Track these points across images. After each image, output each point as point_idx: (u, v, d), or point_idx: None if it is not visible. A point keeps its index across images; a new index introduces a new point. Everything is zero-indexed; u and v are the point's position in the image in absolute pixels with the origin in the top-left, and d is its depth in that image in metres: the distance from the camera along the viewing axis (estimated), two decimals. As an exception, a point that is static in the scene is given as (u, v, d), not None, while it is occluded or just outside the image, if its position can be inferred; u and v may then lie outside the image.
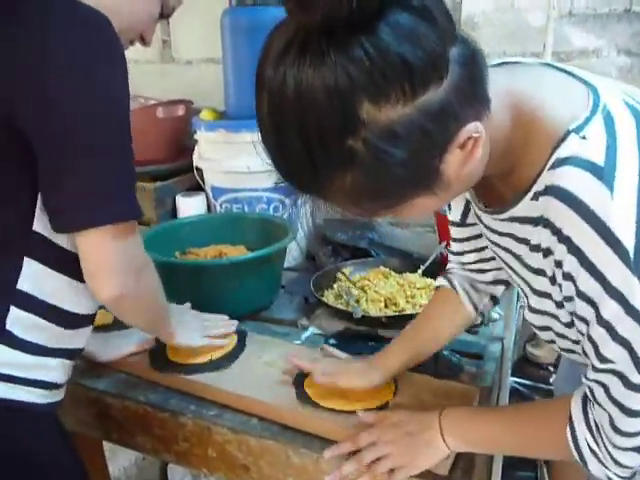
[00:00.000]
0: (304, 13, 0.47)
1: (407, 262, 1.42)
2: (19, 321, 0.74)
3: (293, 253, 1.52)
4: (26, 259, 0.73)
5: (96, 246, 0.71)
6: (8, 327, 0.73)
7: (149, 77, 1.92)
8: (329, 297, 1.29)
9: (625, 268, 0.53)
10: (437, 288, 0.97)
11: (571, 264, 0.57)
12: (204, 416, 0.94)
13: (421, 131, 0.50)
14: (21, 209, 0.72)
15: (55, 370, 0.80)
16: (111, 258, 0.72)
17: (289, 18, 0.50)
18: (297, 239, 1.48)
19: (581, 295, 0.58)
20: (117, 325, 1.11)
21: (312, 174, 0.52)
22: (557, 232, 0.57)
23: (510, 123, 0.60)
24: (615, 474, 0.65)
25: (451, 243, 0.93)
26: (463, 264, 0.92)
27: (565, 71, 0.64)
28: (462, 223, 0.86)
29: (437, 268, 1.36)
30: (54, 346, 0.79)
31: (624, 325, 0.55)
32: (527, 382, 1.26)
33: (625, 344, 0.56)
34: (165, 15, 0.89)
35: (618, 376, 0.58)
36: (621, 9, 1.30)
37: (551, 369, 1.30)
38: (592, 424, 0.65)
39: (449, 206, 0.87)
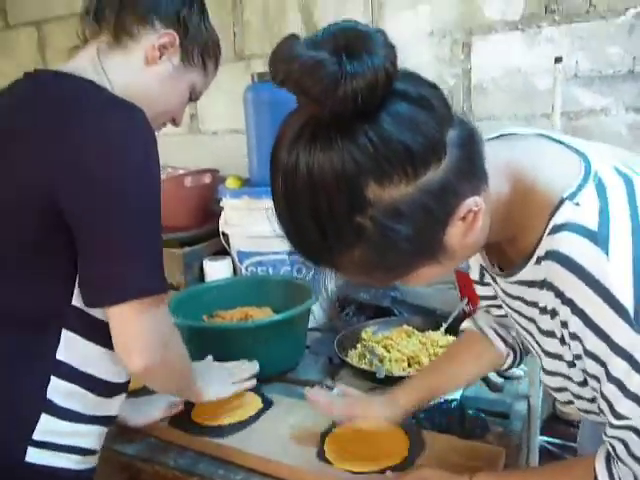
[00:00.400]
0: (315, 108, 0.52)
1: (430, 320, 1.44)
2: (58, 390, 0.78)
3: (316, 314, 1.55)
4: (64, 331, 0.78)
5: (125, 320, 0.75)
6: (48, 396, 0.77)
7: (177, 148, 2.02)
8: (353, 357, 1.30)
9: (627, 327, 0.55)
10: (462, 332, 1.00)
11: (576, 325, 0.59)
12: (232, 480, 0.95)
13: (423, 208, 0.54)
14: (61, 285, 0.78)
15: (91, 436, 0.84)
16: (139, 332, 0.75)
17: (300, 109, 0.55)
18: (320, 300, 1.51)
19: (589, 354, 0.59)
20: (147, 389, 1.14)
21: (323, 249, 0.57)
22: (560, 294, 0.60)
23: (509, 192, 0.64)
24: None
25: (479, 300, 0.96)
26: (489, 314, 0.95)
27: (558, 141, 0.68)
28: (481, 282, 0.89)
29: (459, 325, 1.38)
30: (91, 413, 0.82)
31: (633, 381, 0.57)
32: (557, 441, 1.23)
33: (637, 400, 0.57)
34: (194, 99, 0.97)
35: (635, 432, 0.59)
36: (625, 70, 1.35)
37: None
38: None
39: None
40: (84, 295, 0.76)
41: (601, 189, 0.60)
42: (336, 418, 0.99)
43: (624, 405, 0.58)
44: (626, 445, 0.61)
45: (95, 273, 0.74)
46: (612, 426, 0.62)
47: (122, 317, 0.75)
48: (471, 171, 0.58)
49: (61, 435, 0.79)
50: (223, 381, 1.07)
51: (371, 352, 1.29)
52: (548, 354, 0.69)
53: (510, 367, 0.98)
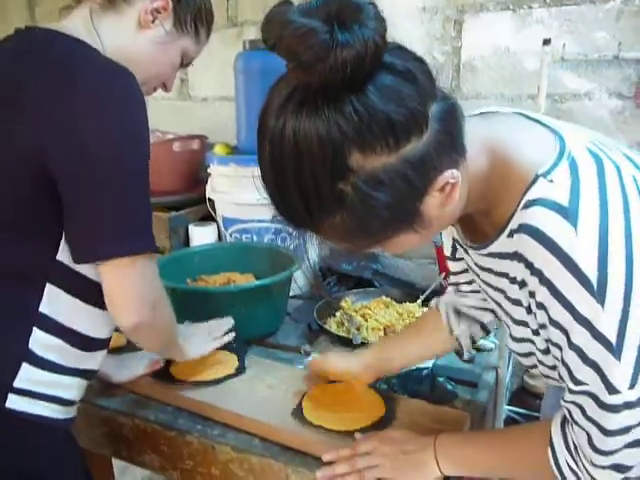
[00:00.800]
0: (304, 74, 0.54)
1: (408, 292, 1.48)
2: (40, 341, 0.81)
3: (299, 282, 1.58)
4: (48, 285, 0.80)
5: (116, 277, 0.77)
6: (30, 346, 0.80)
7: (167, 113, 2.02)
8: (332, 324, 1.35)
9: (590, 297, 0.58)
10: (429, 308, 1.06)
11: (543, 294, 0.62)
12: (209, 435, 0.99)
13: (403, 178, 0.57)
14: (47, 241, 0.80)
15: (71, 388, 0.87)
16: (130, 289, 0.78)
17: (289, 75, 0.57)
18: (303, 268, 1.55)
19: (553, 323, 0.63)
20: (129, 347, 1.18)
21: (306, 213, 0.59)
22: (530, 265, 0.63)
23: (487, 167, 0.67)
24: None
25: (449, 276, 0.99)
26: (459, 292, 0.99)
27: (536, 120, 0.71)
28: (453, 257, 0.92)
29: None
30: (71, 366, 0.85)
31: (592, 349, 0.60)
32: (523, 411, 1.29)
33: (595, 367, 0.61)
34: (185, 65, 0.98)
35: (591, 397, 0.63)
36: (610, 55, 1.37)
37: (548, 399, 1.33)
38: (571, 445, 0.70)
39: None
40: (73, 251, 0.78)
41: (573, 167, 0.62)
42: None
43: (583, 371, 0.62)
44: (582, 409, 0.65)
45: (85, 230, 0.76)
46: (571, 391, 0.66)
47: (112, 273, 0.77)
48: (451, 145, 0.60)
49: (41, 384, 0.81)
50: (203, 338, 1.11)
51: (349, 320, 1.33)
52: (515, 321, 0.73)
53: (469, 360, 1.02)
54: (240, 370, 1.13)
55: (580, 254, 0.58)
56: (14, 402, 0.79)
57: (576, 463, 0.69)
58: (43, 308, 0.81)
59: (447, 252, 0.93)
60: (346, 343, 1.24)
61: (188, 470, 1.02)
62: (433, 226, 0.64)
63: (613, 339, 0.59)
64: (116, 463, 1.42)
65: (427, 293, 1.42)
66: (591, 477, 0.68)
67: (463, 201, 0.66)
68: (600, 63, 1.41)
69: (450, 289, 1.01)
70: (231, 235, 1.63)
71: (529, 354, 0.75)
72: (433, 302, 1.03)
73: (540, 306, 0.64)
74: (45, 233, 0.80)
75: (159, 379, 1.11)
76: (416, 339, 1.03)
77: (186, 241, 1.74)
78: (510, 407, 1.31)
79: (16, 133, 0.75)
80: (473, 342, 0.99)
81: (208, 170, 1.66)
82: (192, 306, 1.26)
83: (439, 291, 1.44)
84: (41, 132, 0.74)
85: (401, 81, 0.55)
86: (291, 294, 1.47)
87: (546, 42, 1.37)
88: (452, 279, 0.98)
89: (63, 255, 0.80)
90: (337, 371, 1.03)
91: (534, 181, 0.63)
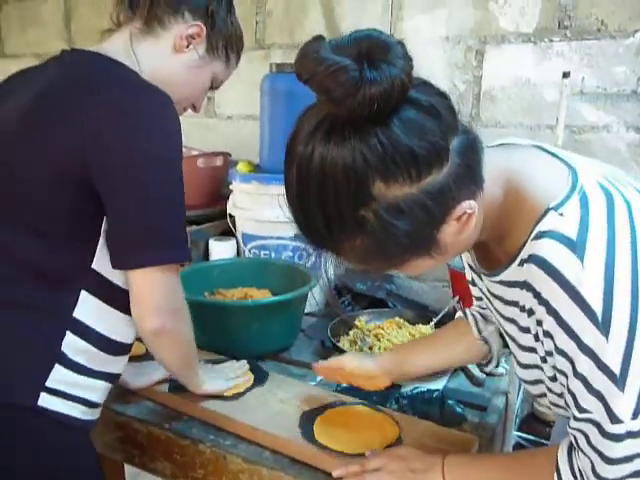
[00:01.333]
0: (334, 108, 0.58)
1: (421, 314, 1.50)
2: (72, 345, 0.85)
3: (314, 299, 1.61)
4: (83, 292, 0.85)
5: (146, 283, 0.82)
6: (62, 349, 0.84)
7: (193, 129, 2.08)
8: (344, 343, 1.36)
9: (595, 329, 0.61)
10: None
11: (550, 323, 0.65)
12: (221, 445, 1.01)
13: (422, 208, 0.60)
14: (85, 250, 0.85)
15: (97, 390, 0.91)
16: (157, 295, 0.83)
17: (319, 106, 0.61)
18: (319, 286, 1.57)
19: (559, 351, 0.65)
20: (148, 356, 1.21)
21: (327, 235, 0.63)
22: (537, 295, 0.65)
23: (502, 196, 0.70)
24: None
25: (471, 299, 1.02)
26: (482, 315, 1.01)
27: (552, 153, 0.74)
28: (473, 283, 0.95)
29: (448, 321, 1.44)
30: (98, 369, 0.89)
31: (597, 379, 0.62)
32: (532, 437, 1.29)
33: (599, 396, 0.63)
34: (214, 88, 1.03)
35: (595, 425, 0.65)
36: (629, 90, 1.40)
37: (557, 427, 1.34)
38: (577, 471, 0.71)
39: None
40: (113, 258, 0.83)
41: (584, 202, 0.65)
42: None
43: (587, 400, 0.64)
44: (587, 437, 0.67)
45: (125, 239, 0.82)
46: (575, 419, 0.67)
47: (143, 280, 0.82)
48: (469, 177, 0.63)
49: (71, 386, 0.86)
50: (219, 377, 1.12)
51: (362, 340, 1.35)
52: (523, 348, 0.75)
53: (488, 362, 1.04)
54: (254, 386, 1.15)
55: (586, 286, 0.60)
56: (46, 401, 0.83)
57: None
58: (77, 313, 0.85)
59: (468, 277, 0.96)
60: (358, 362, 1.26)
61: (199, 479, 1.04)
62: (449, 252, 0.67)
63: (617, 370, 0.61)
64: (128, 469, 1.45)
65: (440, 316, 1.43)
66: None
67: (478, 229, 0.69)
68: (619, 97, 1.44)
69: (475, 303, 1.03)
70: (250, 251, 1.67)
71: (536, 382, 0.77)
72: (458, 314, 1.05)
73: (547, 334, 0.66)
74: (83, 242, 0.84)
75: (176, 390, 1.13)
76: (437, 346, 1.06)
77: (206, 255, 1.78)
78: (519, 433, 1.31)
79: (63, 149, 0.80)
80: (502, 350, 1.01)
81: (230, 187, 1.71)
82: (209, 319, 1.29)
83: (452, 314, 1.46)
84: (86, 148, 0.79)
85: (425, 116, 0.59)
86: (306, 311, 1.49)
87: (566, 75, 1.40)
88: (475, 303, 1.01)
89: (97, 263, 0.85)
90: (354, 369, 1.05)
91: (545, 213, 0.66)
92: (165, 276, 0.83)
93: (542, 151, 0.75)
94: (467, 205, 0.63)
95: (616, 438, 0.63)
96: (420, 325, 1.43)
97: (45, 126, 0.81)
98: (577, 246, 0.62)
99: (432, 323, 1.43)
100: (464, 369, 1.26)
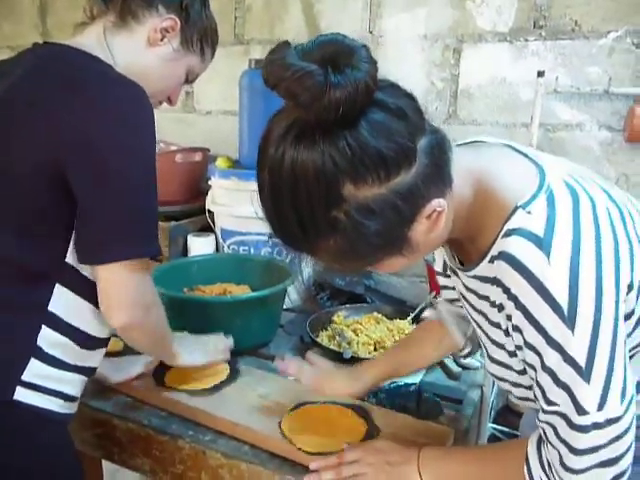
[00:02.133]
0: (302, 112, 0.59)
1: (399, 309, 1.52)
2: (47, 338, 0.85)
3: (293, 295, 1.62)
4: (57, 285, 0.85)
5: (113, 279, 0.82)
6: (38, 342, 0.84)
7: (171, 124, 2.07)
8: (323, 338, 1.38)
9: (561, 323, 0.63)
10: (423, 319, 1.10)
11: (518, 318, 0.66)
12: (200, 441, 1.02)
13: (392, 208, 0.61)
14: (58, 243, 0.84)
15: (73, 384, 0.91)
16: (124, 291, 0.83)
17: (288, 109, 0.61)
18: (297, 281, 1.58)
19: (528, 345, 0.67)
20: (127, 351, 1.21)
21: (301, 237, 0.63)
22: (507, 290, 0.67)
23: (471, 195, 0.71)
24: None
25: (440, 290, 1.03)
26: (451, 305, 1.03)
27: (520, 152, 0.75)
28: (444, 274, 0.97)
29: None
30: (74, 362, 0.89)
31: (564, 372, 0.64)
32: (506, 429, 1.32)
33: (566, 388, 0.65)
34: (190, 81, 1.03)
35: (563, 417, 0.67)
36: (601, 89, 1.43)
37: (531, 419, 1.37)
38: (545, 462, 0.73)
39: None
40: (80, 253, 0.83)
41: (551, 200, 0.67)
42: (302, 385, 1.07)
43: (554, 392, 0.66)
44: (555, 429, 0.69)
45: (92, 233, 0.81)
46: (544, 411, 0.69)
47: (110, 275, 0.82)
48: (438, 176, 0.65)
49: (47, 379, 0.85)
50: (198, 350, 1.13)
51: (340, 335, 1.36)
52: (494, 343, 0.77)
53: (469, 354, 1.06)
54: (233, 377, 1.16)
55: (552, 281, 0.62)
56: (22, 395, 0.83)
57: (548, 478, 0.72)
58: (52, 307, 0.85)
59: (438, 268, 0.97)
60: (337, 357, 1.28)
61: (178, 474, 1.04)
62: (420, 250, 0.69)
63: (582, 362, 0.63)
64: (106, 466, 1.44)
65: (418, 310, 1.46)
66: None
67: (449, 227, 0.70)
68: (592, 96, 1.47)
69: (441, 300, 1.05)
70: (229, 247, 1.67)
71: (504, 379, 0.79)
72: (427, 314, 1.08)
73: (516, 329, 0.68)
74: (57, 236, 0.84)
75: (153, 385, 1.13)
76: (411, 350, 1.08)
77: (184, 251, 1.78)
78: (494, 425, 1.34)
79: (34, 142, 0.79)
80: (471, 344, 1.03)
81: (209, 182, 1.70)
82: (188, 314, 1.29)
83: (429, 309, 1.48)
84: (57, 143, 0.78)
85: (391, 118, 0.60)
86: (285, 307, 1.50)
87: (540, 74, 1.43)
88: (444, 294, 1.02)
89: (71, 257, 0.85)
90: (337, 393, 1.05)
91: (514, 211, 0.67)
92: (131, 272, 0.82)
93: (511, 150, 0.76)
94: (436, 203, 0.64)
95: (582, 429, 0.65)
96: (398, 320, 1.45)
97: (18, 120, 0.81)
98: (544, 243, 0.63)
99: (410, 318, 1.45)
100: (440, 363, 1.28)
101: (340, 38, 0.59)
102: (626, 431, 0.66)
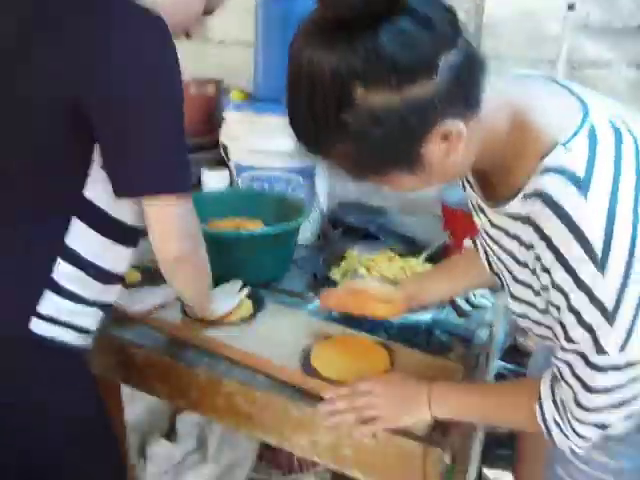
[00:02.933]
0: (327, 10, 0.59)
1: (412, 248, 1.52)
2: (63, 272, 0.86)
3: (306, 231, 1.62)
4: (74, 219, 0.85)
5: (165, 212, 0.83)
6: (54, 276, 0.85)
7: (183, 54, 2.00)
8: (336, 274, 1.39)
9: (592, 265, 0.62)
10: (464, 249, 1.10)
11: (549, 259, 0.66)
12: (216, 369, 1.05)
13: (400, 118, 0.60)
14: (75, 177, 0.84)
15: (88, 317, 0.92)
16: (176, 223, 0.84)
17: (317, 9, 0.60)
18: (311, 218, 1.58)
19: (555, 286, 0.67)
20: (144, 282, 1.24)
21: (314, 137, 0.64)
22: (539, 230, 0.67)
23: (508, 127, 0.69)
24: (576, 445, 0.76)
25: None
26: None
27: (565, 87, 0.72)
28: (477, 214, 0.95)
29: (439, 255, 1.47)
30: (90, 297, 0.90)
31: (589, 313, 0.64)
32: (512, 367, 1.35)
33: (589, 329, 0.65)
34: (208, 12, 0.99)
35: (581, 356, 0.68)
36: (634, 25, 1.36)
37: (537, 357, 1.40)
38: (558, 400, 0.75)
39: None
40: (117, 185, 0.82)
41: (592, 138, 0.65)
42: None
43: (577, 332, 0.67)
44: (571, 367, 0.70)
45: (134, 165, 0.81)
46: (563, 349, 0.70)
47: (160, 209, 0.83)
48: (460, 97, 0.62)
49: (62, 312, 0.87)
50: (223, 297, 1.16)
51: (353, 271, 1.38)
52: (518, 281, 0.77)
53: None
54: (258, 309, 1.20)
55: (587, 223, 0.62)
56: (37, 325, 0.84)
57: (561, 418, 0.75)
58: (69, 241, 0.85)
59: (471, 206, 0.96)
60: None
61: (195, 400, 1.08)
62: (434, 173, 0.67)
63: (610, 306, 0.63)
64: (124, 391, 1.50)
65: (430, 250, 1.46)
66: (573, 431, 0.74)
67: (471, 156, 0.69)
68: (623, 33, 1.40)
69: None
70: (242, 181, 1.66)
71: (525, 315, 0.79)
72: (467, 242, 1.07)
73: (545, 270, 0.68)
74: (74, 171, 0.84)
75: (172, 316, 1.16)
76: (453, 274, 1.10)
77: (198, 184, 1.77)
78: (501, 363, 1.37)
79: (52, 75, 0.77)
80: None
81: (223, 115, 1.67)
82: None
83: (443, 248, 1.49)
84: (78, 69, 0.76)
85: (416, 26, 0.58)
86: (299, 243, 1.51)
87: (570, 7, 1.36)
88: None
89: (90, 192, 0.85)
90: (376, 291, 1.08)
91: (552, 148, 0.65)
92: (184, 203, 0.84)
93: (555, 84, 0.73)
94: (452, 124, 0.62)
95: (599, 369, 0.67)
96: (411, 258, 1.46)
97: (39, 46, 0.78)
98: (582, 183, 0.62)
99: (422, 257, 1.46)
100: (451, 301, 1.29)
101: None
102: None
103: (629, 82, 1.43)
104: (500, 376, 1.38)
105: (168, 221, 0.84)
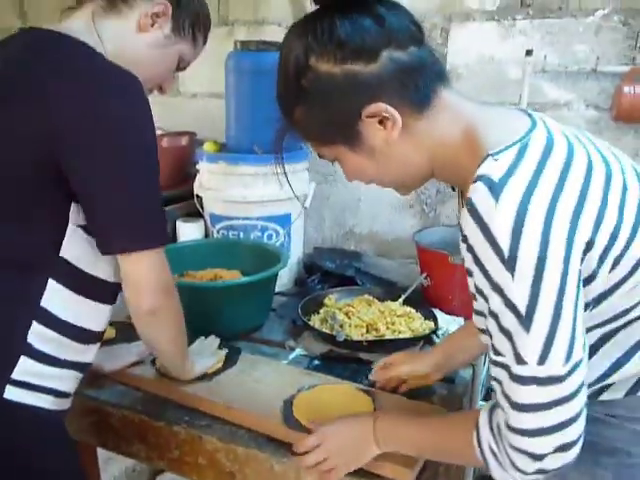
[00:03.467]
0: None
1: (390, 291, 1.52)
2: (39, 335, 0.83)
3: (284, 278, 1.62)
4: (50, 281, 0.83)
5: (139, 266, 0.82)
6: (29, 340, 0.82)
7: (157, 108, 2.02)
8: (315, 321, 1.38)
9: (501, 265, 0.63)
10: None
11: (469, 261, 0.68)
12: (196, 426, 1.02)
13: (339, 89, 0.72)
14: (52, 237, 0.82)
15: (66, 380, 0.89)
16: (151, 275, 0.84)
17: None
18: (288, 265, 1.58)
19: (477, 290, 0.68)
20: (119, 339, 1.21)
21: (284, 101, 0.77)
22: (462, 234, 0.69)
23: (460, 141, 0.73)
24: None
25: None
26: None
27: (528, 114, 0.75)
28: None
29: (417, 297, 1.47)
30: (67, 358, 0.87)
31: (506, 317, 0.64)
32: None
33: (508, 335, 0.65)
34: (181, 68, 1.01)
35: (506, 369, 0.66)
36: (589, 68, 1.43)
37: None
38: (494, 426, 0.72)
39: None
40: (100, 244, 0.82)
41: (523, 149, 0.67)
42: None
43: (499, 340, 0.66)
44: (501, 385, 0.68)
45: (110, 223, 0.81)
46: (494, 363, 0.69)
47: (136, 263, 0.82)
48: (397, 88, 0.71)
49: (38, 377, 0.84)
50: (202, 356, 1.14)
51: (332, 317, 1.37)
52: (471, 293, 0.75)
53: None
54: (230, 364, 1.16)
55: (496, 224, 0.63)
56: (12, 393, 0.81)
57: (497, 445, 0.71)
58: (44, 303, 0.83)
59: None
60: (330, 340, 1.28)
61: (175, 459, 1.05)
62: (379, 161, 0.76)
63: (523, 310, 0.63)
64: (100, 453, 1.45)
65: (408, 292, 1.46)
66: (509, 460, 0.69)
67: (421, 159, 0.75)
68: (579, 75, 1.47)
69: None
70: (218, 232, 1.66)
71: (482, 330, 0.75)
72: None
73: (469, 273, 0.69)
74: (50, 229, 0.82)
75: (149, 372, 1.13)
76: (463, 340, 1.09)
77: (173, 236, 1.76)
78: (484, 402, 1.36)
79: (29, 134, 0.77)
80: None
81: (197, 166, 1.68)
82: (180, 301, 1.28)
83: (420, 290, 1.49)
84: (55, 135, 0.76)
85: (370, 20, 0.70)
86: (276, 290, 1.50)
87: (528, 53, 1.43)
88: None
89: (66, 251, 0.83)
90: (409, 374, 1.10)
91: (485, 159, 0.68)
92: (157, 256, 0.83)
93: (521, 112, 0.77)
94: (382, 107, 0.71)
95: (521, 381, 0.65)
96: (389, 302, 1.46)
97: (10, 109, 0.78)
98: (496, 187, 0.64)
99: (401, 299, 1.46)
100: (431, 342, 1.29)
101: None
102: (572, 396, 0.65)
103: (588, 121, 1.49)
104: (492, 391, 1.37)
105: (140, 273, 0.83)
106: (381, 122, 0.72)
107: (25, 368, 0.82)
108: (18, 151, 0.78)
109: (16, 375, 0.81)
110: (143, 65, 0.92)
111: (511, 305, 0.64)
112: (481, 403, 1.35)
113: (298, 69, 0.72)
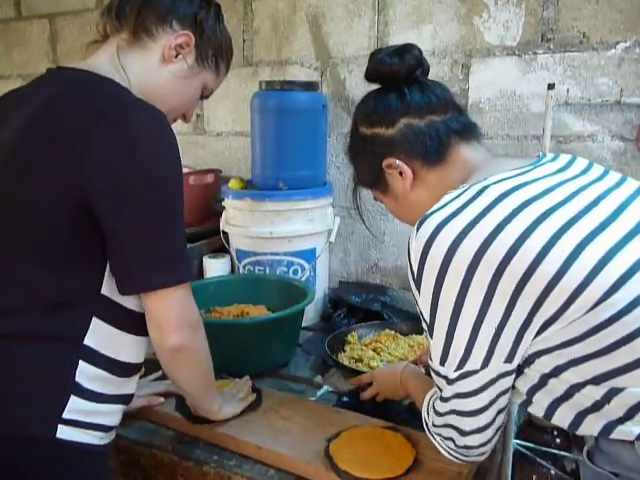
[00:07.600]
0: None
1: (415, 325, 1.51)
2: (85, 373, 0.84)
3: (310, 313, 1.62)
4: (94, 319, 0.84)
5: (161, 303, 0.83)
6: (77, 379, 0.83)
7: (183, 146, 2.07)
8: (343, 359, 1.37)
9: (413, 283, 0.78)
10: None
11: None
12: (225, 466, 1.01)
13: (368, 144, 0.92)
14: (92, 276, 0.84)
15: (112, 415, 0.90)
16: (175, 313, 0.84)
17: None
18: (314, 301, 1.58)
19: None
20: (144, 376, 1.22)
21: (349, 157, 1.00)
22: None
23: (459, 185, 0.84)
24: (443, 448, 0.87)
25: None
26: None
27: (535, 162, 0.85)
28: None
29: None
30: (112, 393, 0.89)
31: (423, 319, 0.79)
32: (531, 445, 1.31)
33: (426, 334, 0.80)
34: (205, 97, 1.03)
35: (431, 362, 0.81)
36: (612, 100, 1.43)
37: (555, 433, 1.35)
38: (430, 404, 0.88)
39: None
40: (120, 283, 0.83)
41: (478, 192, 0.76)
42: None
43: (426, 337, 0.82)
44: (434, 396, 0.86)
45: (132, 263, 0.81)
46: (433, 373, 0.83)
47: (158, 301, 0.83)
48: (405, 146, 0.88)
49: (87, 414, 0.85)
50: (232, 399, 1.13)
51: (360, 355, 1.35)
52: None
53: None
54: (257, 404, 1.16)
55: (414, 251, 0.76)
56: (63, 432, 0.82)
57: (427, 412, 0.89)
58: (88, 341, 0.84)
59: None
60: (358, 376, 1.27)
61: (204, 499, 1.04)
62: (403, 203, 0.93)
63: (427, 319, 0.77)
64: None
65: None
66: (432, 422, 0.87)
67: (435, 200, 0.80)
68: (603, 107, 1.47)
69: None
70: (244, 267, 1.67)
71: None
72: None
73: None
74: (90, 269, 0.84)
75: (182, 409, 1.12)
76: None
77: (200, 273, 1.78)
78: (518, 441, 1.32)
79: (55, 176, 0.79)
80: None
81: (223, 203, 1.71)
82: (206, 337, 1.29)
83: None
84: (84, 175, 0.78)
85: (395, 96, 0.89)
86: (302, 325, 1.50)
87: (550, 87, 1.43)
88: None
89: (106, 288, 0.85)
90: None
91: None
92: (181, 293, 0.83)
93: (529, 159, 0.86)
94: (392, 160, 0.89)
95: (435, 373, 0.80)
96: (415, 335, 1.44)
97: (41, 153, 0.80)
98: (421, 220, 0.77)
99: (425, 333, 1.44)
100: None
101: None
102: (468, 395, 0.77)
103: (614, 153, 1.48)
104: (518, 455, 1.32)
105: (166, 310, 0.83)
106: (401, 173, 0.89)
107: (75, 407, 0.83)
108: (54, 196, 0.80)
109: (67, 414, 0.82)
110: (168, 96, 0.94)
111: (421, 314, 0.79)
112: (516, 442, 1.32)
113: (351, 132, 0.97)
